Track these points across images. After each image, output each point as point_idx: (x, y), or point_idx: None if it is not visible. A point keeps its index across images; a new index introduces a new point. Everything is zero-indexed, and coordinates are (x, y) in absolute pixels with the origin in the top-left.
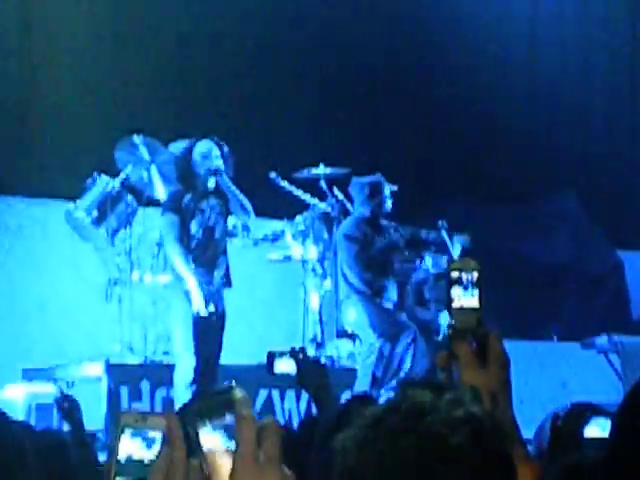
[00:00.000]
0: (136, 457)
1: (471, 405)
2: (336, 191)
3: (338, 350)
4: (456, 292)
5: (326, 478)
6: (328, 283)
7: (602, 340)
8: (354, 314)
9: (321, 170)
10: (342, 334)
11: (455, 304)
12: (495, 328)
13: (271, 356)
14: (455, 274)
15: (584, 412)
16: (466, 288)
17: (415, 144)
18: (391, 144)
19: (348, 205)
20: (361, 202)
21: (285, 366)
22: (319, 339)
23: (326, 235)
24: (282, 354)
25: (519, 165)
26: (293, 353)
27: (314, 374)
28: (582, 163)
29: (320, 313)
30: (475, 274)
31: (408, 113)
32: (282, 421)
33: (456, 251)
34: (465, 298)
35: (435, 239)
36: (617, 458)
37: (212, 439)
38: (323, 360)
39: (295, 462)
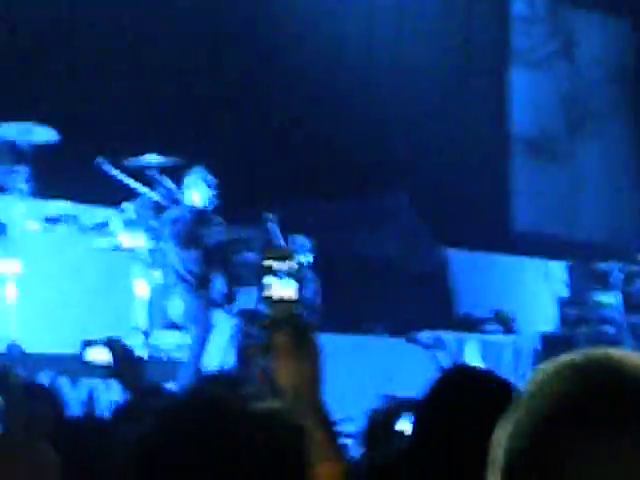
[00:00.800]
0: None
1: (267, 400)
2: (166, 180)
3: (164, 341)
4: (270, 281)
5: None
6: (157, 273)
7: (427, 335)
8: (180, 305)
9: (152, 159)
10: (169, 325)
11: (269, 293)
12: (316, 320)
13: (85, 344)
14: (269, 263)
15: (399, 407)
16: (281, 278)
17: (247, 139)
18: (222, 138)
19: (178, 194)
20: (192, 193)
21: (99, 355)
22: (145, 329)
23: (155, 224)
24: (95, 343)
25: (351, 162)
26: (108, 342)
27: (127, 364)
28: (415, 163)
29: (149, 303)
30: (291, 264)
31: (240, 107)
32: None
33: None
34: (280, 288)
35: (261, 235)
36: (417, 453)
37: None
38: (143, 350)
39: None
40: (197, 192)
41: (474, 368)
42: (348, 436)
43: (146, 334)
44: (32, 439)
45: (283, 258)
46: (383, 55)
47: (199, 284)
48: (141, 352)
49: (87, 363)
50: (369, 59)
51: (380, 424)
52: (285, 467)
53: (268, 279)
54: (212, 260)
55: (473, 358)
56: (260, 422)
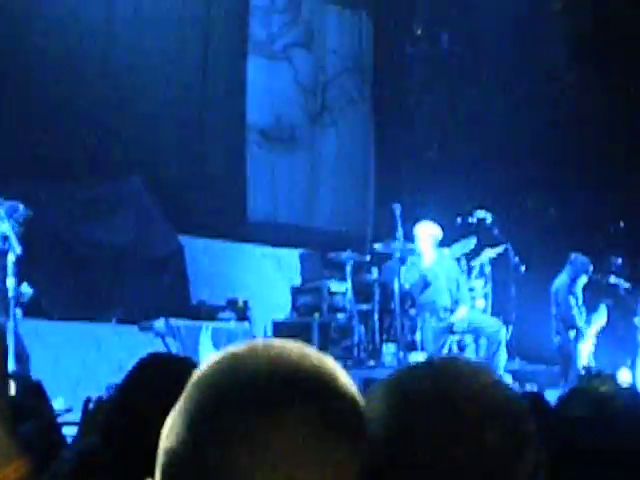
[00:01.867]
0: None
1: None
2: None
3: None
4: None
5: None
6: None
7: (160, 324)
8: None
9: None
10: None
11: None
12: None
13: None
14: None
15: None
16: None
17: None
18: None
19: None
20: None
21: None
22: None
23: None
24: None
25: (84, 146)
26: None
27: None
28: (152, 149)
29: None
30: None
31: None
32: None
33: None
34: None
35: None
36: (107, 440)
37: None
38: None
39: None
40: None
41: (169, 354)
42: (73, 424)
43: None
44: None
45: None
46: (122, 40)
47: None
48: None
49: None
50: (107, 43)
51: (93, 413)
52: None
53: None
54: None
55: (207, 346)
56: None
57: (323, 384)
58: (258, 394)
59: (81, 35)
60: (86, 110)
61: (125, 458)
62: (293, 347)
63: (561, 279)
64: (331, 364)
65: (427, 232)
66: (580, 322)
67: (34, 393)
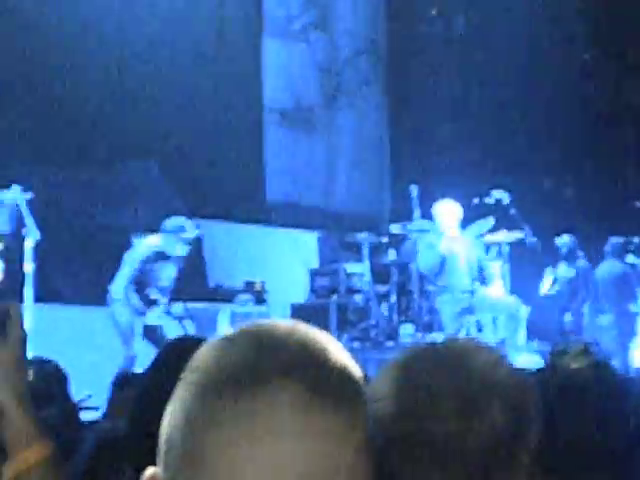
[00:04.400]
0: None
1: None
2: None
3: None
4: None
5: None
6: None
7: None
8: None
9: None
10: None
11: None
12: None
13: None
14: None
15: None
16: None
17: None
18: None
19: None
20: None
21: None
22: None
23: None
24: None
25: (101, 132)
26: None
27: None
28: (167, 132)
29: None
30: None
31: None
32: None
33: None
34: None
35: None
36: (136, 424)
37: None
38: None
39: None
40: None
41: (196, 338)
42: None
43: None
44: None
45: None
46: (137, 24)
47: None
48: None
49: None
50: (122, 27)
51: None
52: None
53: None
54: None
55: (224, 329)
56: None
57: (310, 356)
58: (244, 371)
59: (97, 20)
60: (102, 95)
61: (150, 442)
62: (282, 324)
63: (612, 265)
64: (321, 337)
65: (449, 210)
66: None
67: (56, 378)
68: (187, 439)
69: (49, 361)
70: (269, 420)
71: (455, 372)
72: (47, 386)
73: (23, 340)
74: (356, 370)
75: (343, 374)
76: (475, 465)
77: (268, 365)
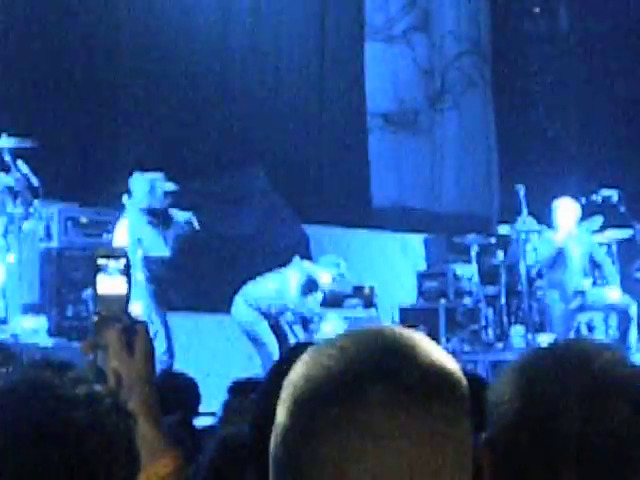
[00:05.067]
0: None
1: (94, 383)
2: (20, 164)
3: (22, 326)
4: (102, 279)
5: None
6: (12, 257)
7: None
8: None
9: (4, 142)
10: (28, 309)
11: (100, 291)
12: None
13: None
14: (101, 261)
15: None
16: (111, 275)
17: (96, 118)
18: (74, 119)
19: (33, 179)
20: None
21: None
22: (2, 315)
23: (11, 208)
24: None
25: (209, 142)
26: None
27: None
28: (272, 139)
29: (4, 289)
30: (122, 261)
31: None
32: None
33: None
34: (111, 285)
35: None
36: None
37: None
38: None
39: None
40: None
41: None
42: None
43: (3, 321)
44: None
45: (115, 256)
46: (239, 34)
47: None
48: None
49: None
50: (224, 35)
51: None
52: (111, 449)
53: (100, 277)
54: None
55: (333, 334)
56: (84, 404)
57: (398, 358)
58: (332, 384)
59: (198, 29)
60: (209, 105)
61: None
62: (364, 330)
63: None
64: (408, 336)
65: (567, 207)
66: None
67: (185, 387)
68: (286, 454)
69: (182, 374)
70: (365, 427)
71: (579, 373)
72: (176, 397)
73: (151, 355)
74: (452, 366)
75: (434, 372)
76: (606, 465)
77: (356, 373)
